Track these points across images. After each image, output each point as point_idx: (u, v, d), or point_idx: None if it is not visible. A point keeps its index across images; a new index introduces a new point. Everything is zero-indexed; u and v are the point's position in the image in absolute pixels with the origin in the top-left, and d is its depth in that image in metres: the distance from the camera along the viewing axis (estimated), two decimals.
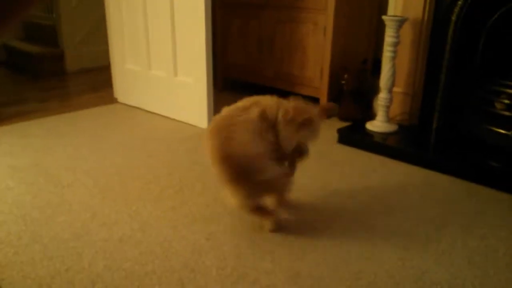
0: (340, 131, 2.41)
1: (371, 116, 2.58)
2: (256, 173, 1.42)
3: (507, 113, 2.17)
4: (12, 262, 1.43)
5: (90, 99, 3.23)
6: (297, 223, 1.66)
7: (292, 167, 1.64)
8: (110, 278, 1.35)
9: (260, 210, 1.54)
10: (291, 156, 1.61)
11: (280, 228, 1.60)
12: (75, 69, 4.06)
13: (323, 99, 2.75)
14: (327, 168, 2.13)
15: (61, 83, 3.74)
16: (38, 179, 1.98)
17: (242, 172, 1.40)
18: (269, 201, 1.58)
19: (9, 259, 1.44)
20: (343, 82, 2.67)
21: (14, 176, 2.01)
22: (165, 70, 2.73)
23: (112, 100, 3.16)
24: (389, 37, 2.30)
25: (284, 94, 3.24)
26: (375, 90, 2.68)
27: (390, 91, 2.37)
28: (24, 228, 1.60)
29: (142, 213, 1.72)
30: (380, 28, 2.86)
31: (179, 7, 2.52)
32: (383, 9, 2.79)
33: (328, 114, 1.62)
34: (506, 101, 2.18)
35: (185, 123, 2.70)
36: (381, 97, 2.39)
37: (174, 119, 2.76)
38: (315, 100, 2.84)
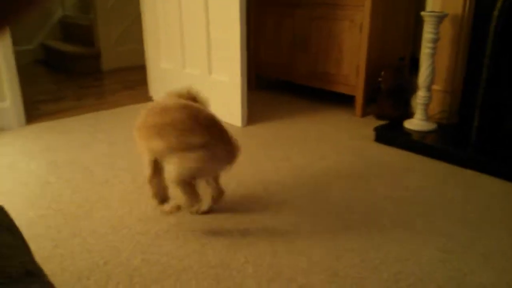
0: (377, 129, 2.37)
1: (409, 114, 2.52)
2: None
3: None
4: (52, 255, 1.46)
5: (125, 97, 3.28)
6: (332, 222, 1.63)
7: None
8: (147, 272, 1.36)
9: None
10: None
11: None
12: (110, 68, 4.13)
13: (359, 97, 2.70)
14: (364, 167, 2.09)
15: (97, 81, 3.82)
16: (77, 175, 2.02)
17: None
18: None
19: (49, 252, 1.47)
20: (380, 79, 2.61)
21: (54, 171, 2.05)
22: (199, 68, 2.75)
23: (147, 98, 3.20)
24: (428, 34, 2.24)
25: (318, 92, 3.23)
26: (413, 88, 2.62)
27: (429, 89, 2.31)
28: (63, 222, 1.63)
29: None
30: (417, 24, 2.80)
31: (214, 5, 2.52)
32: (421, 4, 2.72)
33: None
34: None
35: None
36: (420, 95, 2.33)
37: None
38: (350, 98, 2.80)
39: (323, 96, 3.16)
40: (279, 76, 3.17)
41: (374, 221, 1.64)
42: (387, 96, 2.61)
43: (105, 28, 4.03)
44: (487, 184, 1.92)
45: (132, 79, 3.78)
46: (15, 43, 2.58)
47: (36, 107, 3.00)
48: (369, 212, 1.70)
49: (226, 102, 2.63)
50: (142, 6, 3.02)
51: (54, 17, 4.64)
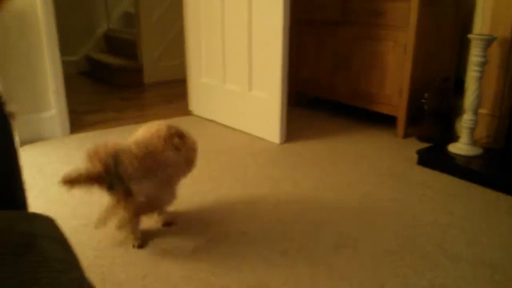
0: (420, 152, 2.31)
1: (453, 138, 2.45)
2: None
3: None
4: (93, 265, 1.47)
5: (165, 110, 3.33)
6: (375, 247, 1.59)
7: None
8: None
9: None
10: None
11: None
12: (151, 81, 4.21)
13: (402, 118, 2.65)
14: (406, 190, 2.04)
15: (138, 94, 3.90)
16: None
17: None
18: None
19: (90, 262, 1.49)
20: (423, 101, 2.56)
21: None
22: (239, 84, 2.76)
23: (186, 112, 3.24)
24: (475, 57, 2.19)
25: (359, 111, 3.20)
26: (457, 110, 2.55)
27: (475, 112, 2.24)
28: (105, 232, 1.65)
29: (212, 225, 1.72)
30: (462, 45, 2.74)
31: (257, 22, 2.54)
32: (467, 25, 2.66)
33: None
34: None
35: (258, 137, 2.70)
36: (466, 119, 2.26)
37: (246, 133, 2.77)
38: (392, 119, 2.75)
39: (363, 115, 3.12)
40: (320, 94, 3.15)
41: (418, 247, 1.58)
42: (431, 118, 2.55)
43: (148, 42, 4.12)
44: None
45: (172, 93, 3.84)
46: (61, 53, 2.67)
47: (79, 117, 3.08)
48: (414, 237, 1.65)
49: (265, 119, 2.63)
50: (186, 22, 3.07)
51: (99, 30, 4.79)
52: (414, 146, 2.52)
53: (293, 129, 2.84)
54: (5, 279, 0.49)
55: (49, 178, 2.12)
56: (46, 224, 0.63)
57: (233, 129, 2.86)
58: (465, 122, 2.27)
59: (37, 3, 2.45)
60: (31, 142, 2.57)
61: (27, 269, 0.50)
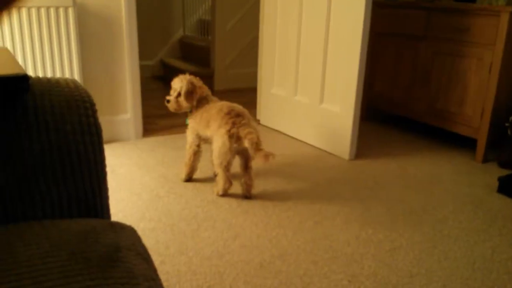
0: (501, 179, 2.15)
1: None
2: None
3: None
4: (158, 271, 1.48)
5: None
6: (451, 280, 1.49)
7: None
8: None
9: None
10: None
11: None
12: (221, 88, 4.27)
13: (482, 141, 2.49)
14: (485, 220, 1.90)
15: None
16: (186, 191, 2.07)
17: None
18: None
19: (161, 268, 1.50)
20: (507, 124, 2.39)
21: (165, 185, 2.13)
22: (310, 97, 2.72)
23: (254, 120, 3.23)
24: None
25: (435, 131, 3.05)
26: None
27: None
28: (172, 238, 1.67)
29: (281, 240, 1.69)
30: None
31: (335, 34, 2.50)
32: None
33: None
34: None
35: (326, 151, 2.64)
36: None
37: (314, 146, 2.72)
38: (470, 141, 2.59)
39: (439, 135, 2.98)
40: (394, 110, 3.04)
41: (497, 282, 1.46)
42: None
43: (221, 50, 4.18)
44: None
45: (241, 101, 3.85)
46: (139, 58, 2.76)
47: (152, 121, 3.16)
48: (492, 270, 1.52)
49: (335, 133, 2.57)
50: (261, 33, 3.08)
51: (175, 36, 4.93)
52: (494, 172, 2.36)
53: (363, 145, 2.76)
54: None
55: (121, 179, 2.18)
56: (131, 236, 0.63)
57: (301, 141, 2.82)
58: None
59: (123, 9, 2.55)
60: (105, 143, 2.66)
61: (116, 285, 0.49)
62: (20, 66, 0.76)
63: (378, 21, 3.04)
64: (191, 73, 2.31)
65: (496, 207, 2.01)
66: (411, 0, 2.85)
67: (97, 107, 0.82)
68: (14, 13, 2.23)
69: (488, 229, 1.83)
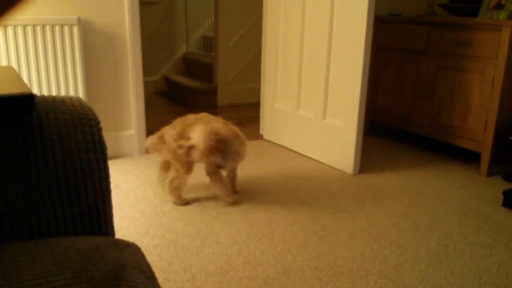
0: (506, 193, 2.14)
1: None
2: None
3: None
4: None
5: None
6: None
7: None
8: None
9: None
10: None
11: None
12: (224, 103, 4.29)
13: (486, 155, 2.48)
14: (491, 234, 1.89)
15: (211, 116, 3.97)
16: (189, 206, 2.07)
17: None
18: None
19: (160, 284, 1.49)
20: (511, 138, 2.39)
21: (168, 201, 2.13)
22: (313, 111, 2.73)
23: (257, 136, 3.25)
24: None
25: (438, 145, 3.05)
26: None
27: None
28: (175, 255, 1.66)
29: (286, 256, 1.68)
30: None
31: (337, 49, 2.51)
32: None
33: None
34: None
35: (330, 166, 2.64)
36: None
37: (318, 161, 2.72)
38: (474, 155, 2.59)
39: (442, 149, 2.97)
40: (397, 124, 3.04)
41: None
42: None
43: (224, 66, 4.21)
44: None
45: (244, 116, 3.88)
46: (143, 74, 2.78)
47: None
48: (499, 285, 1.51)
49: (339, 148, 2.57)
50: (264, 48, 3.11)
51: (178, 52, 4.97)
52: (499, 185, 2.35)
53: (367, 159, 2.75)
54: None
55: (124, 195, 2.18)
56: (135, 254, 0.63)
57: (305, 156, 2.82)
58: None
59: (127, 25, 2.58)
60: (110, 159, 2.67)
61: None
62: (25, 85, 0.77)
63: (381, 36, 3.06)
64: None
65: (501, 221, 2.00)
66: (413, 15, 2.87)
67: (102, 123, 0.82)
68: (19, 31, 2.26)
69: (493, 243, 1.81)
